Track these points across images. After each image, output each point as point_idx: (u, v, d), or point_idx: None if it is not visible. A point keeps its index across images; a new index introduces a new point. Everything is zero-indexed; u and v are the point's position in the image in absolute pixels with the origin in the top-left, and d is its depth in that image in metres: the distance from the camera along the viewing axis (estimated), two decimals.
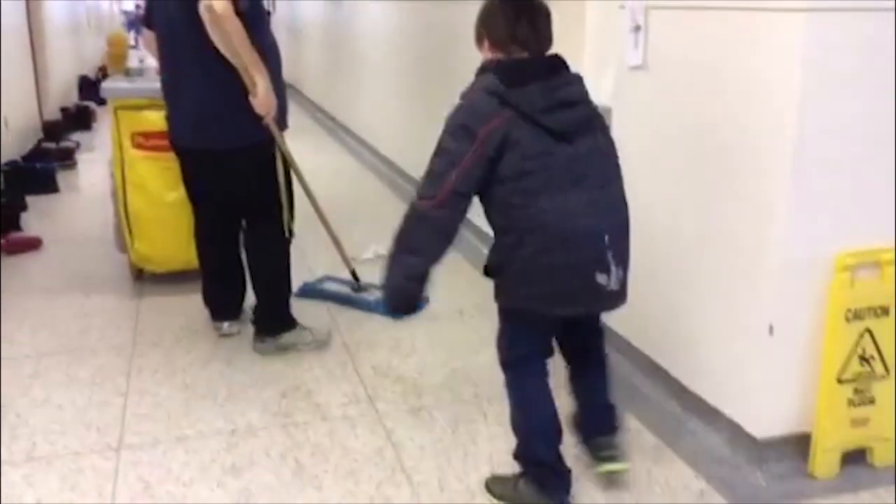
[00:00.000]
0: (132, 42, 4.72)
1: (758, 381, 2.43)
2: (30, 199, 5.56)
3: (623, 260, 2.17)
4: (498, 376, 2.38)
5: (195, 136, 3.15)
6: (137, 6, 19.63)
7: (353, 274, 3.94)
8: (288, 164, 3.29)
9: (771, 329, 2.35)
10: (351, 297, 3.89)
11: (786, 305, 2.35)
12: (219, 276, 3.46)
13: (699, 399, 2.68)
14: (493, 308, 2.40)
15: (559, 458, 2.32)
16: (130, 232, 3.91)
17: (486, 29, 2.23)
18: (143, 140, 3.79)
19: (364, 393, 3.02)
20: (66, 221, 5.31)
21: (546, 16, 2.24)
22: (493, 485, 2.43)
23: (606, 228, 2.12)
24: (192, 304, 3.61)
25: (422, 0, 5.48)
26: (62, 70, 9.30)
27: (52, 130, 7.61)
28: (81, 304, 3.84)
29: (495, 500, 2.39)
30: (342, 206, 4.84)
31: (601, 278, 2.11)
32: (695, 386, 2.71)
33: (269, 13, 12.09)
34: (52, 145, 7.07)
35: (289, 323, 3.36)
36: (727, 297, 2.52)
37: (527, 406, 2.33)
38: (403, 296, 2.26)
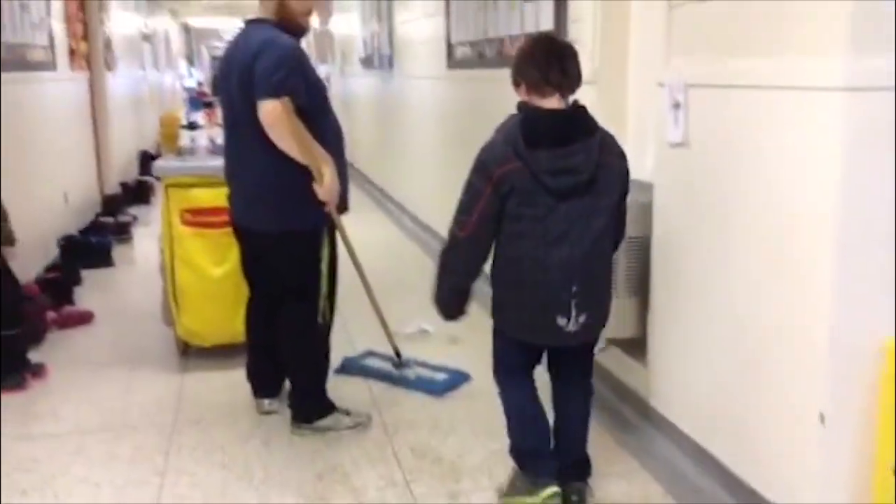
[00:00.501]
0: (184, 121, 4.91)
1: (810, 471, 2.32)
2: (85, 273, 5.69)
3: (589, 307, 2.51)
4: None
5: (253, 217, 3.18)
6: (199, 83, 20.38)
7: (396, 350, 3.92)
8: (334, 249, 3.30)
9: (822, 417, 2.25)
10: (392, 374, 3.86)
11: (837, 393, 2.25)
12: (264, 354, 3.46)
13: (749, 489, 2.56)
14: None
15: (549, 445, 2.71)
16: (177, 306, 3.96)
17: (522, 75, 2.56)
18: (191, 217, 3.88)
19: (401, 476, 2.96)
20: (118, 295, 5.42)
21: (574, 57, 2.55)
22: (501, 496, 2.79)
23: (575, 281, 2.46)
24: (234, 379, 3.62)
25: (466, 80, 5.57)
26: (123, 145, 9.64)
27: (111, 204, 7.85)
28: (126, 380, 3.88)
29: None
30: (387, 278, 4.84)
31: (561, 321, 2.49)
32: (745, 474, 2.60)
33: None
34: (109, 219, 7.28)
35: (325, 408, 3.32)
36: (777, 383, 2.43)
37: (514, 405, 2.76)
38: (450, 307, 2.75)
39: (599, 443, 3.16)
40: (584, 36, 3.72)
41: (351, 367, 3.92)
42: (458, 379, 3.82)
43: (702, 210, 2.81)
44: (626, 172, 2.61)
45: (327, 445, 3.20)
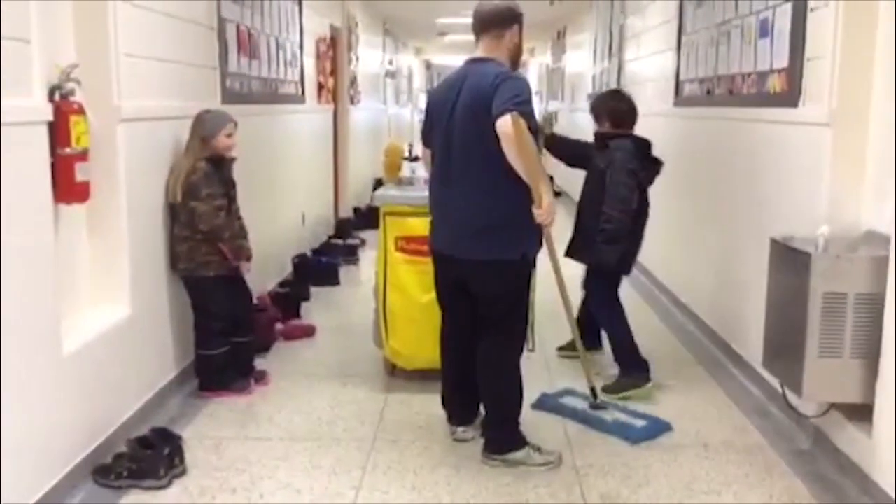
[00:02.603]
0: (407, 152, 5.15)
1: None
2: (314, 290, 6.11)
3: None
4: None
5: (472, 246, 3.21)
6: None
7: (593, 391, 3.83)
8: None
9: None
10: (588, 414, 3.77)
11: None
12: (457, 382, 3.52)
13: None
14: (745, 446, 2.79)
15: None
16: (386, 328, 4.14)
17: (610, 112, 4.22)
18: (405, 244, 4.04)
19: None
20: (340, 313, 5.76)
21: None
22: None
23: None
24: (434, 403, 3.68)
25: (693, 118, 5.38)
26: (360, 172, 10.30)
27: (343, 227, 8.39)
28: (336, 393, 4.10)
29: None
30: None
31: None
32: None
33: (551, 124, 12.46)
34: (339, 241, 7.77)
35: (518, 441, 3.32)
36: None
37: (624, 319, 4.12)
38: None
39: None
40: (821, 75, 3.47)
41: (547, 404, 3.88)
42: (658, 428, 3.66)
43: None
44: None
45: (516, 479, 3.18)
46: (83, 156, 3.12)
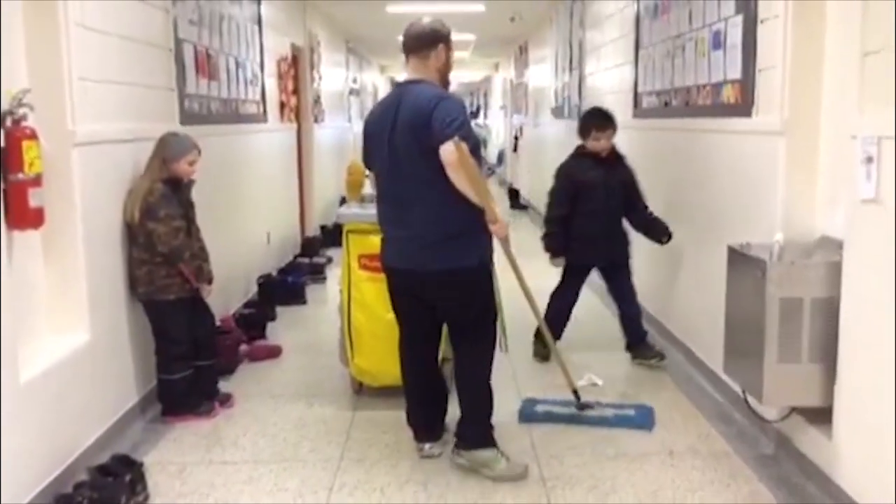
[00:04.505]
0: (368, 171, 5.15)
1: None
2: (279, 310, 6.08)
3: None
4: None
5: (433, 258, 3.25)
6: None
7: (575, 393, 3.94)
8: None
9: None
10: (583, 416, 3.89)
11: None
12: (421, 395, 3.54)
13: None
14: (710, 452, 2.85)
15: None
16: (351, 346, 4.12)
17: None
18: (368, 261, 4.03)
19: None
20: (307, 332, 5.72)
21: None
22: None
23: None
24: (400, 419, 3.66)
25: (651, 129, 5.45)
26: (326, 191, 10.27)
27: (310, 246, 8.35)
28: (302, 414, 4.07)
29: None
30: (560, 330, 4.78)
31: None
32: None
33: (516, 137, 12.51)
34: (306, 260, 7.74)
35: (489, 441, 3.39)
36: None
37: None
38: None
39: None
40: (773, 85, 3.53)
41: (535, 416, 3.93)
42: (648, 410, 3.96)
43: None
44: None
45: (483, 496, 3.18)
46: (36, 181, 3.08)
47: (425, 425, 3.55)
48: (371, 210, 4.24)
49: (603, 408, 3.96)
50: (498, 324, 3.44)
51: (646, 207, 4.78)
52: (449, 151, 3.04)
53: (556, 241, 4.71)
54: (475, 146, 3.23)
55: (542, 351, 4.73)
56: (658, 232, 4.74)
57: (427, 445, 3.51)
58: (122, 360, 3.84)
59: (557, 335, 4.62)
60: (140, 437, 3.78)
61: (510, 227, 3.37)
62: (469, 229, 3.25)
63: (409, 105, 3.21)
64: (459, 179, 3.10)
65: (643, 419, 3.86)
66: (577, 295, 4.83)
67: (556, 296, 4.81)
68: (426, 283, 3.32)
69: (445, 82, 3.43)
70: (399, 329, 3.56)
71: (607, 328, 5.27)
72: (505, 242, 3.39)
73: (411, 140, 3.17)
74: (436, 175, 3.11)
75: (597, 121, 4.71)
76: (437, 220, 3.22)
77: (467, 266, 3.28)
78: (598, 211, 4.60)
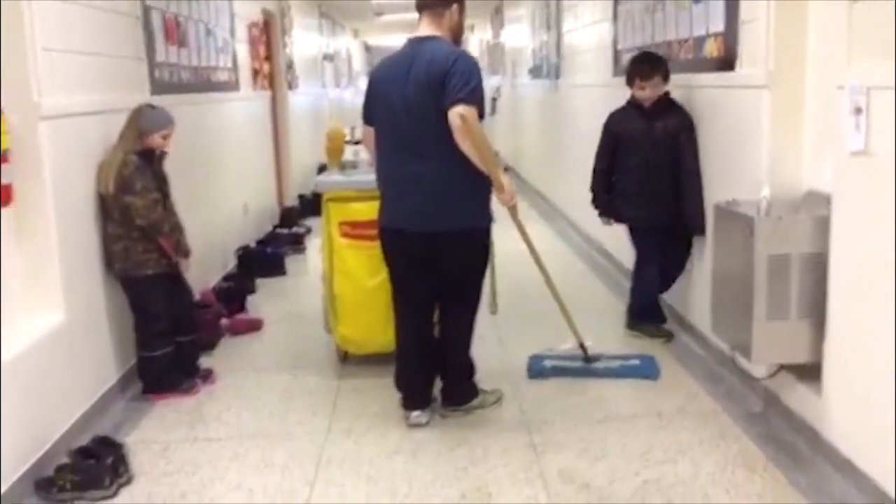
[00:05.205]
0: (349, 136, 4.99)
1: None
2: (259, 282, 5.99)
3: None
4: (697, 492, 2.13)
5: (451, 218, 3.25)
6: None
7: (582, 346, 4.00)
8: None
9: None
10: (591, 369, 3.96)
11: None
12: (419, 363, 3.52)
13: None
14: (698, 412, 2.79)
15: None
16: (335, 315, 4.07)
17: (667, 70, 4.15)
18: (350, 229, 3.97)
19: (546, 501, 2.85)
20: (288, 303, 5.64)
21: None
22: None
23: None
24: (387, 387, 3.63)
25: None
26: (303, 159, 10.11)
27: (288, 216, 8.23)
28: (287, 386, 4.01)
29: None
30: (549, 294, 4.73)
31: None
32: None
33: (494, 99, 12.44)
34: (285, 230, 7.63)
35: (475, 392, 3.60)
36: None
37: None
38: None
39: (767, 477, 2.91)
40: (757, 37, 3.46)
41: (544, 371, 3.97)
42: (651, 360, 4.05)
43: (886, 224, 2.52)
44: None
45: (473, 463, 3.14)
46: (4, 158, 2.97)
47: (416, 390, 3.51)
48: (354, 177, 4.18)
49: (609, 360, 4.01)
50: (491, 286, 3.50)
51: (695, 174, 4.09)
52: (457, 115, 3.03)
53: (598, 198, 4.49)
54: (484, 113, 3.22)
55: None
56: (690, 216, 4.09)
57: (415, 414, 3.47)
58: (99, 338, 3.75)
59: (662, 319, 4.45)
60: (121, 416, 3.70)
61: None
62: (481, 191, 3.29)
63: (424, 61, 3.16)
64: (466, 146, 3.11)
65: (649, 368, 3.94)
66: (650, 264, 4.34)
67: (634, 276, 4.46)
68: (438, 244, 3.28)
69: (458, 42, 3.40)
70: (395, 292, 3.51)
71: (587, 288, 5.24)
72: (513, 210, 3.42)
73: (428, 97, 3.13)
74: (448, 137, 3.11)
75: (641, 68, 4.22)
76: (451, 178, 3.21)
77: (481, 227, 3.36)
78: (635, 167, 4.22)
